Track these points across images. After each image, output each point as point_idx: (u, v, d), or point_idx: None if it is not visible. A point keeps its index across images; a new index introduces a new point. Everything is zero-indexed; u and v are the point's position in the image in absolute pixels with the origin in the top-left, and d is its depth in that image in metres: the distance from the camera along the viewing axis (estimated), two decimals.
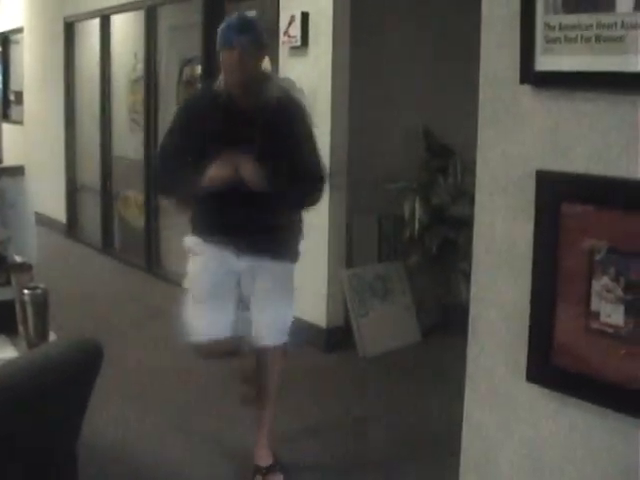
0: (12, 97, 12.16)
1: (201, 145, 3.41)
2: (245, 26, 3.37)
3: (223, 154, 3.33)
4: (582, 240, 1.64)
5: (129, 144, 8.26)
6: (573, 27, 1.63)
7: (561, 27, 1.65)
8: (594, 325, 1.63)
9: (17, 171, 3.00)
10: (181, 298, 3.67)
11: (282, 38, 5.57)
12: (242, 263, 3.57)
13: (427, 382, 4.89)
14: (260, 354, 3.75)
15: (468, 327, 1.95)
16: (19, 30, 11.10)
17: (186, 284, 3.69)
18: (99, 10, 8.52)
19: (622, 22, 1.54)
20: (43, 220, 8.41)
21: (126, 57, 8.30)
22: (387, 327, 5.60)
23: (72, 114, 9.47)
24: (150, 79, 7.66)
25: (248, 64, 3.34)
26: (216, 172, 3.32)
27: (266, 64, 5.88)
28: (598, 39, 1.59)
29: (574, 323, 1.66)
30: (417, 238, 5.55)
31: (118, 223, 8.67)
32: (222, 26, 3.42)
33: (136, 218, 8.16)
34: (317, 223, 5.45)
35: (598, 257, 1.61)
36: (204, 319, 3.58)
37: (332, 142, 5.33)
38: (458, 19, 5.48)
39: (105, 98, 8.66)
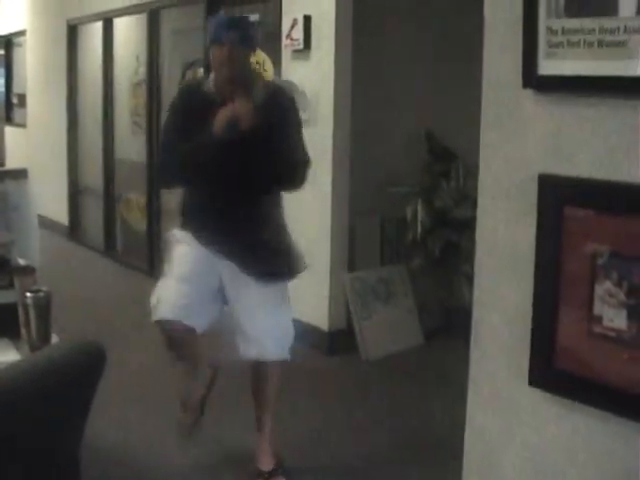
0: (15, 100, 12.17)
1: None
2: (235, 23, 3.37)
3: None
4: (584, 244, 1.64)
5: (131, 147, 8.27)
6: (576, 31, 1.63)
7: (564, 31, 1.65)
8: (597, 329, 1.63)
9: (20, 174, 3.01)
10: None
11: (284, 41, 5.58)
12: (224, 268, 3.53)
13: (429, 385, 4.89)
14: (259, 364, 3.72)
15: (471, 331, 1.95)
16: (22, 33, 11.11)
17: (165, 268, 3.62)
18: (102, 13, 8.53)
19: (625, 27, 1.54)
20: (45, 223, 8.41)
21: (128, 60, 8.31)
22: (390, 330, 5.60)
23: (75, 117, 9.48)
24: (152, 82, 7.67)
25: (237, 60, 3.34)
26: (220, 117, 3.29)
27: (269, 67, 5.92)
28: (601, 44, 1.59)
29: (577, 327, 1.66)
30: (420, 241, 5.54)
31: (120, 226, 8.68)
32: (212, 22, 3.43)
33: (138, 221, 8.16)
34: (320, 226, 5.45)
35: (601, 261, 1.61)
36: (180, 297, 3.48)
37: (334, 145, 5.34)
38: (460, 21, 5.48)
39: (107, 101, 8.66)
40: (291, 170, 3.50)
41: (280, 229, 3.76)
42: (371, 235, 5.79)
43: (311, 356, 5.40)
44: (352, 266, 5.63)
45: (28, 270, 2.73)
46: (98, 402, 2.05)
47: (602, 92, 1.62)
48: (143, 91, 7.88)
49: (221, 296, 3.62)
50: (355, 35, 5.35)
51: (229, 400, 4.47)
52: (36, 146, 10.59)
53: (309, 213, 5.56)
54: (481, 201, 1.90)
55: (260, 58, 6.10)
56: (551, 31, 1.67)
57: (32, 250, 2.95)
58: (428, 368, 5.22)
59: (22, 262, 2.84)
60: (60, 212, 9.62)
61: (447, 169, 5.68)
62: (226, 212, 3.49)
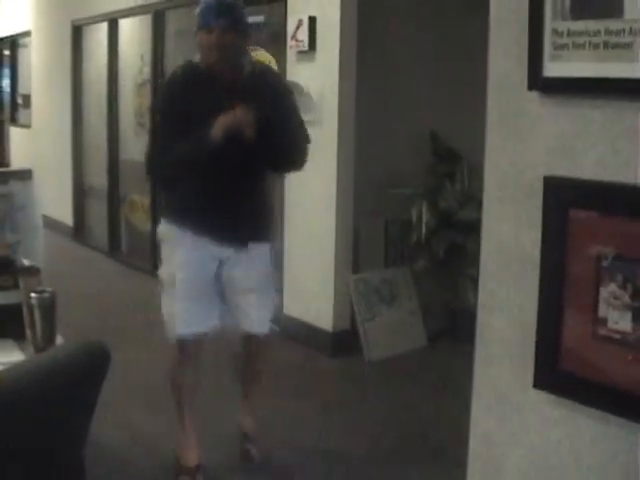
0: (20, 100, 12.18)
1: (188, 121, 3.34)
2: (224, 9, 3.32)
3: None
4: (589, 246, 1.63)
5: (136, 147, 8.27)
6: (581, 33, 1.63)
7: (569, 33, 1.65)
8: (602, 331, 1.62)
9: (25, 174, 3.00)
10: (159, 290, 3.59)
11: (290, 42, 5.58)
12: (223, 251, 3.52)
13: (433, 387, 4.88)
14: (248, 342, 3.76)
15: (475, 333, 1.95)
16: (27, 34, 11.13)
17: (163, 275, 3.57)
18: (107, 14, 8.54)
19: (630, 28, 1.54)
20: (50, 223, 8.42)
21: (133, 61, 8.31)
22: (393, 332, 5.59)
23: (79, 117, 9.49)
24: (157, 83, 7.67)
25: (226, 47, 3.32)
26: (219, 124, 3.27)
27: (274, 68, 5.92)
28: (606, 45, 1.59)
29: (582, 329, 1.66)
30: (424, 243, 5.54)
31: (125, 226, 8.69)
32: (201, 6, 3.38)
33: (143, 222, 8.17)
34: (324, 227, 5.45)
35: (605, 264, 1.61)
36: (190, 313, 3.49)
37: (339, 146, 5.34)
38: (464, 21, 5.48)
39: (112, 101, 8.67)
40: (296, 148, 3.52)
41: (269, 198, 3.80)
42: (375, 236, 5.79)
43: (315, 357, 5.40)
44: (356, 267, 5.63)
45: (33, 270, 2.73)
46: (103, 402, 2.05)
47: (607, 94, 1.62)
48: (147, 91, 7.88)
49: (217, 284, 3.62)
50: (360, 36, 5.35)
51: (236, 401, 4.47)
52: (41, 147, 10.60)
53: (313, 214, 5.56)
54: (486, 203, 1.90)
55: (265, 59, 6.10)
56: (556, 33, 1.67)
57: (37, 251, 2.95)
58: (432, 370, 5.21)
59: (27, 263, 2.83)
60: (65, 213, 9.63)
61: (452, 170, 5.68)
62: (227, 198, 3.47)
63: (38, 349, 2.54)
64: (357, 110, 5.40)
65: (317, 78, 5.42)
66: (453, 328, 5.65)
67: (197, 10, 3.41)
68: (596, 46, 1.60)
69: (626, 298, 1.58)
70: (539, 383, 1.76)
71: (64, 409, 1.91)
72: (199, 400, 3.79)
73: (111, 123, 8.67)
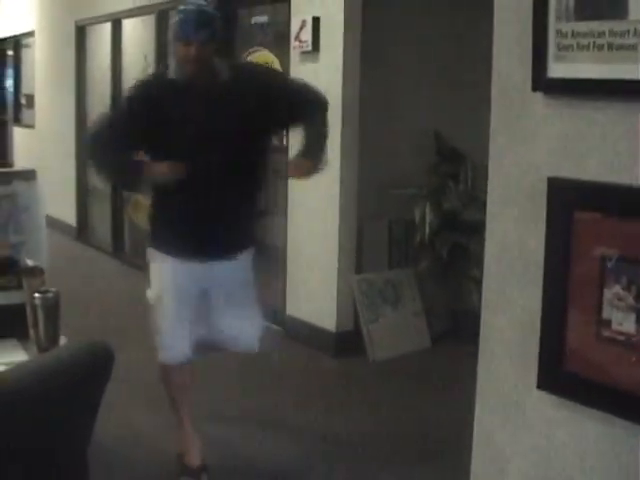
0: (23, 100, 12.19)
1: (162, 130, 3.35)
2: (203, 21, 3.29)
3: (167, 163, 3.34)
4: (594, 248, 1.63)
5: None
6: (585, 34, 1.62)
7: (573, 34, 1.65)
8: (606, 333, 1.62)
9: (29, 175, 3.00)
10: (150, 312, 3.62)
11: (293, 43, 5.57)
12: (211, 273, 3.51)
13: (436, 388, 4.88)
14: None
15: (478, 334, 1.95)
16: (30, 34, 11.13)
17: (152, 296, 3.60)
18: (110, 14, 8.54)
19: (635, 30, 1.54)
20: (53, 223, 8.42)
21: (137, 61, 8.32)
22: (397, 333, 5.59)
23: (83, 118, 9.49)
24: None
25: (204, 58, 3.31)
26: (154, 169, 3.35)
27: (277, 68, 5.92)
28: (610, 47, 1.58)
29: (585, 331, 1.66)
30: (428, 243, 5.53)
31: (128, 227, 8.69)
32: (179, 17, 3.33)
33: (146, 222, 8.15)
34: (327, 228, 5.45)
35: (610, 265, 1.61)
36: (177, 338, 3.51)
37: (342, 147, 5.33)
38: (470, 21, 5.47)
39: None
40: (317, 111, 3.59)
41: (257, 203, 3.78)
42: (379, 237, 5.78)
43: (318, 357, 5.40)
44: (360, 268, 5.62)
45: (36, 271, 2.73)
46: (106, 401, 2.05)
47: (612, 95, 1.61)
48: None
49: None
50: (363, 37, 5.35)
51: (235, 400, 4.48)
52: (44, 147, 10.60)
53: (317, 215, 5.56)
54: (490, 204, 1.89)
55: (269, 59, 6.11)
56: (561, 34, 1.67)
57: (40, 251, 2.95)
58: (435, 371, 5.21)
59: (30, 263, 2.83)
60: (68, 213, 9.63)
61: (455, 171, 5.67)
62: (220, 208, 3.45)
63: (41, 349, 2.54)
64: (361, 110, 5.40)
65: (321, 79, 5.41)
66: (456, 329, 5.64)
67: (175, 19, 3.38)
68: (600, 47, 1.60)
69: (630, 300, 1.57)
70: (543, 384, 1.75)
71: (67, 409, 1.91)
72: (197, 399, 3.79)
73: None
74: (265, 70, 3.64)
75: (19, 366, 1.96)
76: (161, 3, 7.57)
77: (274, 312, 6.04)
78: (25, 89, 12.09)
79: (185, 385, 3.66)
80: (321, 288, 5.54)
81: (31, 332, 2.62)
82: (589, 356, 1.66)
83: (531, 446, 1.83)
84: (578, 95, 1.68)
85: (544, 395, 1.76)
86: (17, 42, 12.27)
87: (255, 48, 6.28)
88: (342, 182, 5.36)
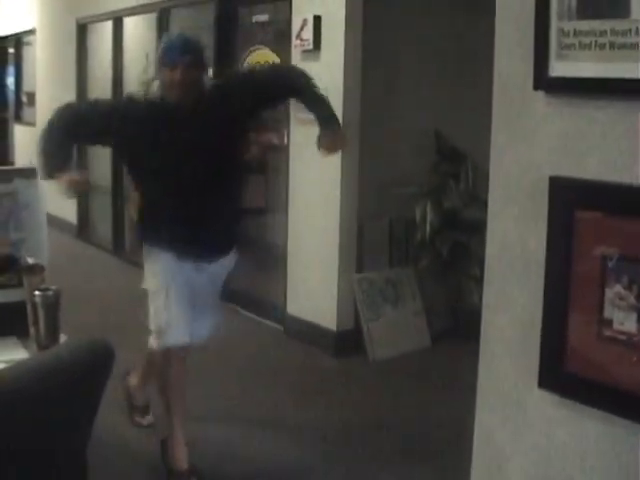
0: (24, 98, 12.19)
1: (145, 148, 3.47)
2: (187, 47, 3.43)
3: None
4: (595, 247, 1.63)
5: None
6: (587, 33, 1.62)
7: (575, 33, 1.64)
8: (607, 332, 1.62)
9: (29, 173, 3.01)
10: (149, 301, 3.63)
11: (294, 42, 5.57)
12: (199, 273, 3.61)
13: (436, 387, 4.88)
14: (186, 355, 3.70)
15: (479, 333, 1.95)
16: (32, 32, 11.13)
17: (150, 286, 3.65)
18: (112, 12, 8.54)
19: (637, 29, 1.54)
20: (54, 221, 8.41)
21: (138, 59, 8.31)
22: (397, 332, 5.59)
23: None
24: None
25: (190, 83, 3.41)
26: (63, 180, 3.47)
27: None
28: (612, 46, 1.58)
29: (587, 330, 1.66)
30: (428, 242, 5.53)
31: (129, 225, 8.68)
32: (164, 46, 3.48)
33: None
34: (328, 226, 5.45)
35: (611, 264, 1.60)
36: (181, 321, 3.55)
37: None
38: (470, 20, 5.47)
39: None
40: (296, 78, 3.73)
41: (240, 204, 3.89)
42: (379, 236, 5.78)
43: (318, 356, 5.40)
44: (360, 267, 5.62)
45: (37, 269, 2.73)
46: (106, 400, 2.05)
47: (613, 94, 1.61)
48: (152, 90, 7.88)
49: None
50: (365, 35, 5.35)
51: (235, 399, 4.48)
52: None
53: (317, 214, 5.56)
54: (491, 203, 1.89)
55: (269, 58, 6.10)
56: (562, 33, 1.66)
57: (41, 249, 2.95)
58: (435, 370, 5.21)
59: (31, 260, 2.83)
60: (69, 211, 9.63)
61: (456, 170, 5.66)
62: (198, 214, 3.54)
63: (42, 347, 2.54)
64: (362, 109, 5.39)
65: (322, 77, 5.37)
66: (457, 328, 5.64)
67: (160, 49, 3.50)
68: (602, 46, 1.60)
69: (631, 299, 1.57)
70: (544, 383, 1.75)
71: (67, 408, 1.91)
72: (195, 397, 3.78)
73: None
74: (239, 75, 3.81)
75: (18, 364, 1.96)
76: (162, 1, 7.57)
77: (275, 310, 6.05)
78: (26, 87, 12.09)
79: (181, 378, 3.65)
80: (321, 287, 5.54)
81: (31, 330, 2.62)
82: (590, 355, 1.66)
83: (531, 445, 1.82)
84: (579, 94, 1.67)
85: (545, 394, 1.76)
86: (18, 40, 12.27)
87: (256, 47, 6.28)
88: (343, 181, 5.35)
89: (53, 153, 3.57)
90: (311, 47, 5.42)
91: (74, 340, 2.25)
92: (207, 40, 6.78)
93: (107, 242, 8.86)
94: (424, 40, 5.76)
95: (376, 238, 5.73)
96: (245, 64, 6.28)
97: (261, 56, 6.19)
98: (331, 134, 3.58)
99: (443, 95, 5.78)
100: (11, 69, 12.93)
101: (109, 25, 8.72)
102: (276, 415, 4.45)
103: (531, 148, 1.78)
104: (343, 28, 5.25)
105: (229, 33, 6.72)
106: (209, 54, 6.72)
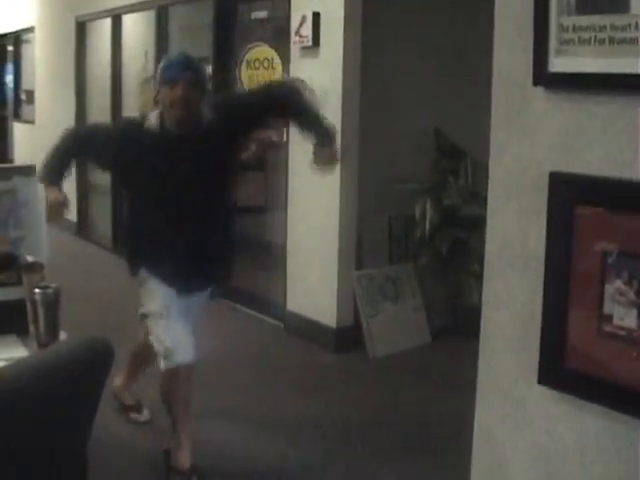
0: (23, 96, 12.19)
1: (139, 172, 3.51)
2: (187, 64, 3.44)
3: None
4: (595, 243, 1.63)
5: None
6: (587, 28, 1.62)
7: (575, 28, 1.64)
8: (607, 328, 1.62)
9: (29, 170, 3.00)
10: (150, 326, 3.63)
11: (293, 38, 5.57)
12: (187, 301, 3.65)
13: (436, 384, 4.88)
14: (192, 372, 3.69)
15: (479, 329, 1.94)
16: (30, 29, 11.13)
17: (152, 308, 3.63)
18: (110, 10, 8.54)
19: (636, 24, 1.53)
20: None
21: (137, 57, 8.32)
22: (397, 328, 5.59)
23: (83, 113, 9.49)
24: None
25: (191, 100, 3.41)
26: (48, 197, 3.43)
27: (277, 64, 5.92)
28: (612, 41, 1.58)
29: (587, 326, 1.65)
30: (428, 239, 5.53)
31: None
32: (164, 64, 3.50)
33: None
34: (328, 223, 5.45)
35: (611, 260, 1.60)
36: (186, 338, 3.55)
37: (342, 142, 5.32)
38: (469, 16, 5.47)
39: (116, 98, 8.67)
40: (290, 95, 3.67)
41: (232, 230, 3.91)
42: (379, 233, 5.78)
43: (318, 353, 5.41)
44: (360, 264, 5.62)
45: (36, 266, 2.73)
46: (104, 398, 2.05)
47: (613, 90, 1.61)
48: (151, 87, 7.88)
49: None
50: (365, 32, 5.34)
51: (234, 398, 4.48)
52: (44, 143, 10.54)
53: (317, 211, 5.56)
54: (491, 200, 1.89)
55: (269, 55, 6.10)
56: (562, 28, 1.66)
57: (40, 246, 2.94)
58: (435, 366, 5.21)
59: (30, 258, 2.83)
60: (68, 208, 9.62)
61: (455, 166, 5.67)
62: (197, 244, 3.58)
63: (41, 345, 2.54)
64: (361, 106, 5.39)
65: (321, 74, 5.41)
66: (457, 324, 5.65)
67: (160, 67, 3.52)
68: (602, 41, 1.59)
69: (631, 295, 1.57)
70: (544, 379, 1.75)
71: (66, 406, 1.91)
72: (194, 396, 3.77)
73: (115, 119, 8.66)
74: (235, 96, 3.85)
75: (18, 363, 1.95)
76: None
77: (274, 307, 6.06)
78: (25, 85, 12.09)
79: (188, 396, 3.64)
80: (321, 283, 5.54)
81: (31, 328, 2.62)
82: (590, 351, 1.66)
83: (532, 441, 1.82)
84: (579, 89, 1.67)
85: (545, 390, 1.76)
86: (17, 38, 12.27)
87: (255, 43, 6.27)
88: (342, 178, 5.35)
89: (54, 167, 3.67)
90: (310, 44, 5.42)
91: (74, 338, 2.25)
92: (205, 37, 6.79)
93: (107, 240, 8.86)
94: (423, 37, 5.76)
95: (376, 235, 5.73)
96: (244, 61, 6.27)
97: (260, 53, 6.19)
98: (326, 150, 3.57)
99: (443, 92, 5.78)
100: (10, 67, 12.94)
101: (108, 23, 8.72)
102: (276, 412, 4.46)
103: (531, 144, 1.77)
104: (342, 24, 5.25)
105: (228, 30, 6.72)
106: (207, 52, 6.75)
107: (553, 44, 1.67)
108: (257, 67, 6.16)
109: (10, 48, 12.79)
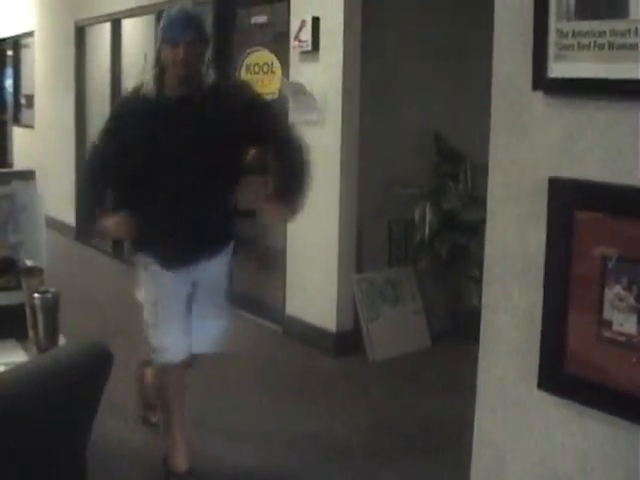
0: (23, 101, 12.19)
1: (140, 148, 3.37)
2: (189, 22, 3.31)
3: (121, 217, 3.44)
4: (595, 248, 1.63)
5: None
6: (586, 34, 1.62)
7: (574, 34, 1.64)
8: (606, 333, 1.62)
9: (28, 175, 3.00)
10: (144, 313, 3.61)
11: (293, 43, 5.57)
12: (194, 276, 3.54)
13: (436, 388, 4.87)
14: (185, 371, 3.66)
15: (479, 333, 1.94)
16: (30, 34, 11.13)
17: (147, 299, 3.61)
18: (110, 14, 8.54)
19: (636, 29, 1.54)
20: (53, 223, 8.42)
21: (136, 61, 8.31)
22: (397, 332, 5.59)
23: (82, 118, 9.49)
24: None
25: (193, 60, 3.30)
26: (109, 227, 3.46)
27: (277, 68, 5.91)
28: (611, 46, 1.58)
29: (586, 331, 1.65)
30: (427, 243, 5.54)
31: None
32: (165, 22, 3.37)
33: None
34: (327, 227, 5.45)
35: (611, 265, 1.60)
36: (176, 337, 3.51)
37: (342, 146, 5.33)
38: (469, 21, 5.47)
39: (116, 102, 8.67)
40: (294, 151, 3.50)
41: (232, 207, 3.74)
42: (379, 236, 5.78)
43: (318, 357, 5.40)
44: (360, 267, 5.62)
45: (36, 271, 2.73)
46: (104, 402, 2.05)
47: (612, 95, 1.61)
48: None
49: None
50: (363, 37, 5.35)
51: (236, 398, 4.47)
52: (44, 147, 10.60)
53: (317, 215, 5.55)
54: (490, 204, 1.89)
55: (268, 59, 6.10)
56: (561, 33, 1.66)
57: (40, 251, 2.95)
58: (435, 370, 5.21)
59: (30, 263, 2.83)
60: (67, 213, 9.61)
61: (455, 171, 5.67)
62: (198, 214, 3.46)
63: (41, 349, 2.54)
64: (361, 110, 5.39)
65: (320, 78, 5.42)
66: (456, 328, 5.64)
67: (160, 25, 3.40)
68: (601, 47, 1.60)
69: (631, 300, 1.57)
70: (543, 384, 1.75)
71: (65, 411, 1.91)
72: (193, 400, 3.77)
73: None
74: (252, 91, 3.72)
75: (17, 367, 1.95)
76: (161, 3, 7.56)
77: (274, 311, 6.05)
78: (25, 89, 12.09)
79: (181, 390, 3.62)
80: (321, 287, 5.54)
81: (30, 332, 2.62)
82: (590, 357, 1.66)
83: (531, 446, 1.82)
84: (578, 94, 1.67)
85: (544, 395, 1.76)
86: (17, 42, 12.27)
87: (254, 48, 6.28)
88: (342, 182, 5.36)
89: (93, 206, 3.62)
90: (310, 48, 5.43)
91: (73, 343, 2.25)
92: None
93: (106, 244, 8.84)
94: (423, 42, 5.76)
95: (375, 239, 5.73)
96: (243, 65, 6.27)
97: (260, 57, 6.19)
98: (281, 204, 3.51)
99: (442, 96, 5.78)
100: (10, 71, 12.93)
101: (107, 27, 8.72)
102: (276, 416, 4.45)
103: (530, 149, 1.78)
104: (342, 29, 5.26)
105: (227, 35, 6.72)
106: (207, 56, 6.74)
107: (552, 49, 1.68)
108: (257, 72, 6.16)
109: (10, 52, 12.79)
